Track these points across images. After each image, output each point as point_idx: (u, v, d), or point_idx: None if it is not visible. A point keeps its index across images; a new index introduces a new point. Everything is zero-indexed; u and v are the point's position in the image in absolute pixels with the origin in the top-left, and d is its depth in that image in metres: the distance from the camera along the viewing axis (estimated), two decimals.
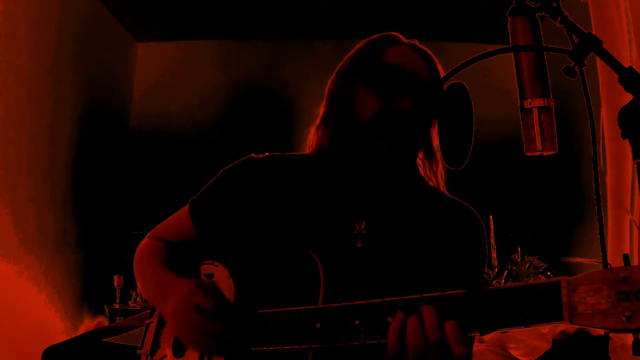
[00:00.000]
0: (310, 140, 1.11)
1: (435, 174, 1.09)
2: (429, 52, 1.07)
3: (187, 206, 1.14)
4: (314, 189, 1.07)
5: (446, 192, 1.10)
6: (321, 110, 1.10)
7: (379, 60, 1.03)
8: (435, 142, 1.07)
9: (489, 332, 0.69)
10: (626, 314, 0.59)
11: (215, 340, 0.91)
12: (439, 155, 1.07)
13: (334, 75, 1.10)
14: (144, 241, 1.17)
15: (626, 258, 0.62)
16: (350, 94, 1.04)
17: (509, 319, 0.67)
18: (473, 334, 0.71)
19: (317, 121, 1.10)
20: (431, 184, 1.10)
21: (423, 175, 1.10)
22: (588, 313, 0.61)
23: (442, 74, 1.06)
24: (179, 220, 1.15)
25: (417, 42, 1.09)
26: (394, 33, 1.09)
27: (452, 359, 0.70)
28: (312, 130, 1.11)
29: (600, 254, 0.72)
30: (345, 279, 0.93)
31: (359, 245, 1.00)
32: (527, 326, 0.66)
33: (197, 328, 0.91)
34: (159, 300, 1.05)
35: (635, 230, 2.45)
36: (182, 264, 1.09)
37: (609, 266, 0.62)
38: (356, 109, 1.02)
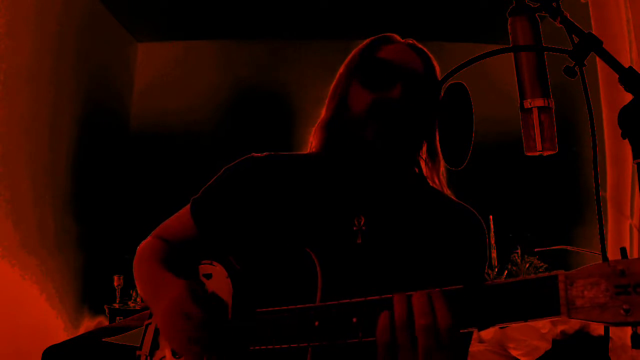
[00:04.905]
0: (311, 141, 1.12)
1: (438, 172, 1.08)
2: (425, 50, 1.08)
3: (188, 205, 1.14)
4: (313, 187, 1.07)
5: (449, 193, 1.10)
6: (322, 111, 1.12)
7: (372, 56, 1.05)
8: (437, 139, 1.07)
9: (487, 327, 0.69)
10: (624, 307, 0.59)
11: (201, 348, 0.92)
12: (440, 154, 1.07)
13: (335, 78, 1.12)
14: (146, 240, 1.18)
15: (623, 251, 0.62)
16: (346, 93, 1.05)
17: (506, 314, 0.67)
18: (471, 330, 0.71)
19: (318, 122, 1.11)
20: (431, 184, 1.10)
21: (425, 175, 1.10)
22: (586, 307, 0.61)
23: (439, 73, 1.06)
24: (180, 219, 1.15)
25: (414, 42, 1.09)
26: (390, 34, 1.10)
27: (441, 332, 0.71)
28: (313, 130, 1.12)
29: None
30: (345, 275, 0.93)
31: (358, 241, 1.00)
32: (525, 321, 0.65)
33: (183, 335, 0.92)
34: (153, 301, 1.05)
35: (635, 232, 2.45)
36: (181, 264, 1.09)
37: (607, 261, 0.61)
38: (351, 106, 1.03)
